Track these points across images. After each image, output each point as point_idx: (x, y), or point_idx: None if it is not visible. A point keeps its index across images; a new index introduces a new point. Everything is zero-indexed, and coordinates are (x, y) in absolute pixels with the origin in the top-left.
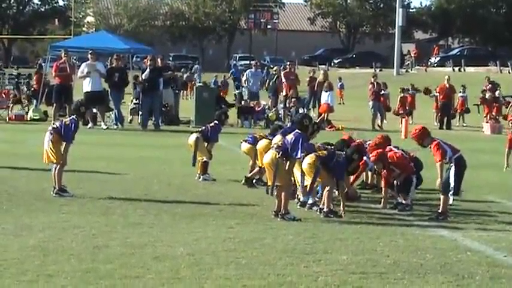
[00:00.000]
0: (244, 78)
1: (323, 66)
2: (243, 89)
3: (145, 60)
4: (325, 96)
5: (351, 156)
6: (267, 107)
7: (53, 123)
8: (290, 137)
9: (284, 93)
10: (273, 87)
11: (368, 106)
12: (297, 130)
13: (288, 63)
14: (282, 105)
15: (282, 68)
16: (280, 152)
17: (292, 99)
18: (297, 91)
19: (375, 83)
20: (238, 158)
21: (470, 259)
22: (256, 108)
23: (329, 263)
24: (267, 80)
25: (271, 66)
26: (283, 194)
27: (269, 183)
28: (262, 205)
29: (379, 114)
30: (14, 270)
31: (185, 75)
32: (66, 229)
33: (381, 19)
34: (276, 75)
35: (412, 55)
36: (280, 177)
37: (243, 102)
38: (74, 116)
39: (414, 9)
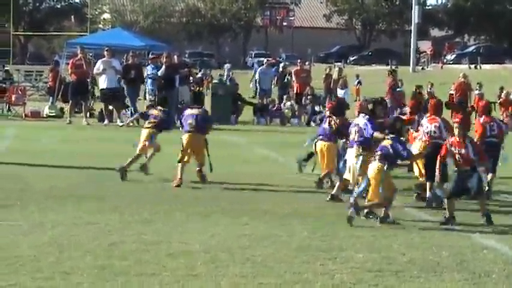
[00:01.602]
0: (256, 77)
1: (339, 63)
2: (256, 86)
3: (161, 57)
4: (340, 94)
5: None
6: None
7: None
8: (386, 144)
9: (295, 91)
10: (283, 85)
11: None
12: (391, 135)
13: (299, 60)
14: (290, 102)
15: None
16: (386, 164)
17: (308, 97)
18: (312, 88)
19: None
20: (253, 155)
21: (486, 257)
22: (271, 107)
23: (345, 261)
24: (276, 77)
25: (283, 62)
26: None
27: (370, 197)
28: (277, 202)
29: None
30: (30, 267)
31: (200, 72)
32: (80, 226)
33: (397, 16)
34: (286, 73)
35: (428, 52)
36: (386, 189)
37: (258, 100)
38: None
39: (430, 7)
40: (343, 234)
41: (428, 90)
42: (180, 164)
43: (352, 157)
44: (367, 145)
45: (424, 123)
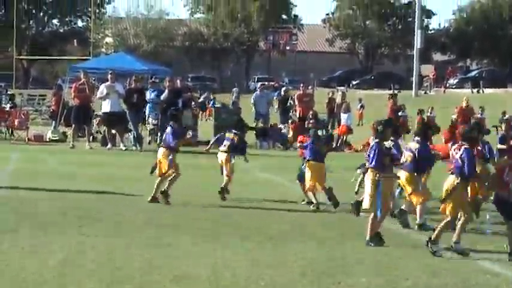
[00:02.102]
0: (251, 101)
1: (342, 87)
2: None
3: (165, 81)
4: (344, 118)
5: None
6: (283, 129)
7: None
8: (459, 155)
9: (297, 115)
10: (285, 109)
11: None
12: (465, 146)
13: (302, 84)
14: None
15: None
16: (459, 177)
17: (311, 121)
18: (315, 112)
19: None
20: (257, 179)
21: (489, 282)
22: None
23: (349, 285)
24: (278, 101)
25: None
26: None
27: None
28: (281, 227)
29: None
30: None
31: (202, 96)
32: (85, 249)
33: (400, 41)
34: (288, 97)
35: (431, 76)
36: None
37: (260, 124)
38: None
39: (433, 31)
40: (347, 258)
41: (429, 114)
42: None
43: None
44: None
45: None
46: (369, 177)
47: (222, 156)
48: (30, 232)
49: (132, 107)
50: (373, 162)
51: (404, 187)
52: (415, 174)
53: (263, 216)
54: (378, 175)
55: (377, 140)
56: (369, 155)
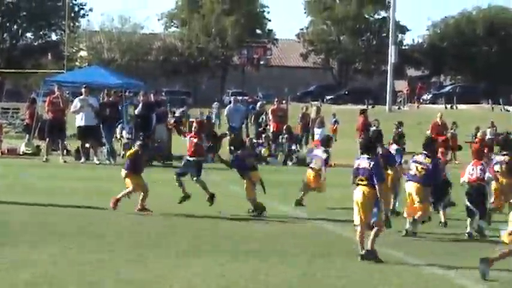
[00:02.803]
0: (225, 114)
1: (316, 102)
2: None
3: (139, 95)
4: (317, 133)
5: None
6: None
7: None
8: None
9: (271, 129)
10: (259, 124)
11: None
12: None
13: (276, 99)
14: (268, 142)
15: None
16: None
17: (285, 136)
18: (289, 127)
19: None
20: (232, 193)
21: None
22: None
23: None
24: (253, 116)
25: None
26: None
27: None
28: (256, 242)
29: None
30: None
31: (178, 111)
32: (60, 264)
33: (374, 56)
34: (262, 112)
35: (405, 92)
36: None
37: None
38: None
39: (407, 46)
40: (320, 274)
41: (452, 131)
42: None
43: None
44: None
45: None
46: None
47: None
48: (3, 247)
49: (106, 121)
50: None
51: (410, 196)
52: (425, 187)
53: (239, 231)
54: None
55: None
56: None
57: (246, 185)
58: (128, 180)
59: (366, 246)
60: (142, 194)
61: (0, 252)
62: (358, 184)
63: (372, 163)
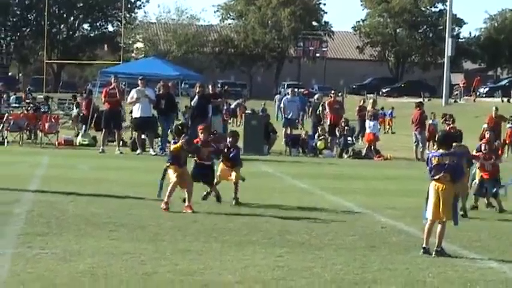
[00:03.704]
0: (281, 106)
1: (371, 95)
2: (281, 116)
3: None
4: (369, 126)
5: None
6: (304, 134)
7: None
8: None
9: (328, 122)
10: (317, 116)
11: (413, 135)
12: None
13: (332, 92)
14: (324, 135)
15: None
16: None
17: (346, 128)
18: (347, 120)
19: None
20: (287, 186)
21: None
22: (303, 136)
23: None
24: (310, 108)
25: (317, 94)
26: None
27: None
28: (311, 234)
29: (421, 144)
30: None
31: (234, 103)
32: (116, 255)
33: (430, 49)
34: (319, 104)
35: (461, 85)
36: None
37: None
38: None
39: (463, 39)
40: (376, 267)
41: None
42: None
43: None
44: None
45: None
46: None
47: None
48: (60, 237)
49: (162, 113)
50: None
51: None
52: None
53: (293, 223)
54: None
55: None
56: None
57: None
58: (170, 172)
59: (437, 242)
60: (186, 191)
61: (55, 242)
62: (436, 179)
63: (454, 159)
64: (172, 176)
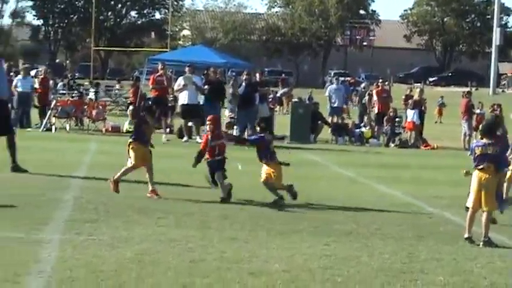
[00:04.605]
0: (326, 94)
1: (418, 84)
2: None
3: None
4: (410, 114)
5: None
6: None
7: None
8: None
9: (376, 111)
10: (363, 105)
11: (462, 124)
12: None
13: (380, 80)
14: (371, 123)
15: (364, 85)
16: None
17: (396, 118)
18: (395, 110)
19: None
20: (333, 175)
21: None
22: (349, 126)
23: (425, 283)
24: (357, 97)
25: (364, 82)
26: None
27: None
28: (358, 223)
29: (468, 133)
30: (112, 282)
31: (281, 91)
32: (163, 242)
33: (478, 38)
34: (366, 92)
35: (509, 74)
36: None
37: (335, 119)
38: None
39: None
40: (424, 257)
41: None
42: None
43: None
44: None
45: None
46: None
47: None
48: (108, 223)
49: (208, 100)
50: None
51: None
52: None
53: (339, 212)
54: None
55: None
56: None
57: None
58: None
59: (484, 232)
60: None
61: (103, 229)
62: (480, 169)
63: (498, 149)
64: (133, 156)
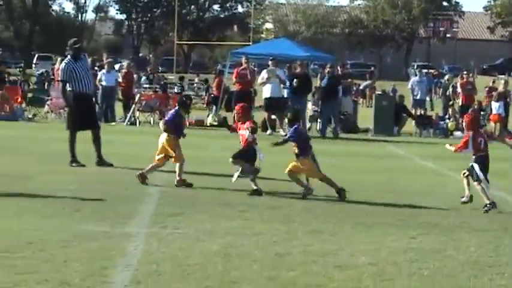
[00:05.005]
0: (409, 87)
1: (503, 75)
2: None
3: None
4: (495, 107)
5: None
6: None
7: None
8: None
9: (460, 103)
10: (447, 97)
11: None
12: None
13: (465, 72)
14: (455, 116)
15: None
16: None
17: (482, 112)
18: (480, 102)
19: None
20: (417, 167)
21: None
22: (433, 118)
23: None
24: (440, 89)
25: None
26: None
27: None
28: (443, 216)
29: None
30: (198, 275)
31: (363, 84)
32: (248, 235)
33: None
34: (450, 84)
35: None
36: None
37: (418, 111)
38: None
39: None
40: (510, 249)
41: None
42: None
43: None
44: None
45: None
46: None
47: None
48: (193, 217)
49: (294, 93)
50: None
51: None
52: None
53: (424, 205)
54: None
55: None
56: None
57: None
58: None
59: None
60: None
61: (188, 222)
62: None
63: None
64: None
